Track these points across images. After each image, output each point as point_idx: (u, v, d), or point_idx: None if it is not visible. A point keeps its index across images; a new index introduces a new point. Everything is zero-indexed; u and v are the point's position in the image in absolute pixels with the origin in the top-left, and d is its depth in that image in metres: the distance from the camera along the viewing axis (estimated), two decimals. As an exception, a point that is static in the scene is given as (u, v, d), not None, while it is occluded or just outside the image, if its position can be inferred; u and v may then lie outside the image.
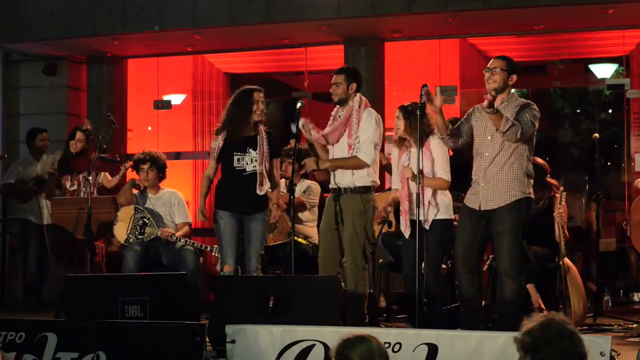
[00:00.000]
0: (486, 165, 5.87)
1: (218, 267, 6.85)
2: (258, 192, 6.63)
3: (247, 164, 6.65)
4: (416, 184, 6.06)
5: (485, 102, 5.63)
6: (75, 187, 8.29)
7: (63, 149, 8.61)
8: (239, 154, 6.65)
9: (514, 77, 5.93)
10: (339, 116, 6.63)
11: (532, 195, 5.95)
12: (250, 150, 6.67)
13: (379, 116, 6.61)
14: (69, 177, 8.32)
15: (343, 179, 6.50)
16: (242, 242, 6.66)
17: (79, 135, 8.47)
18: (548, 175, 7.62)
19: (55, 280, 8.47)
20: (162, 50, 10.89)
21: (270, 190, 6.74)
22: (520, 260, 5.80)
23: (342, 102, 6.62)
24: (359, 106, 6.56)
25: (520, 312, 5.86)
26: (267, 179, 6.72)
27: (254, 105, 6.65)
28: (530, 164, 5.92)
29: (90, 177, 7.77)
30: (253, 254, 6.66)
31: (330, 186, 6.64)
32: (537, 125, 5.85)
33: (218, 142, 6.66)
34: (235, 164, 6.64)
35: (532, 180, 5.91)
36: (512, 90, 6.07)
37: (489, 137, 5.89)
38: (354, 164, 6.48)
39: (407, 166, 6.35)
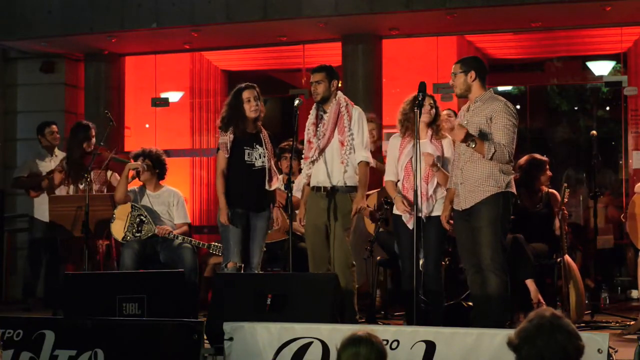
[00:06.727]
0: (462, 165, 5.89)
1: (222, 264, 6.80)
2: (267, 187, 6.65)
3: (255, 159, 6.66)
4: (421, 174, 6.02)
5: (460, 136, 5.67)
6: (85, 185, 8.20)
7: (73, 150, 8.35)
8: (249, 148, 6.65)
9: (472, 74, 5.89)
10: (323, 117, 6.52)
11: (513, 190, 5.92)
12: (257, 146, 6.68)
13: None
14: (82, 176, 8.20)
15: (334, 177, 6.45)
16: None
17: (93, 133, 8.41)
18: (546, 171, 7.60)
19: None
20: (159, 48, 10.89)
21: (279, 187, 6.76)
22: (501, 254, 5.77)
23: (324, 101, 6.53)
24: (347, 103, 6.54)
25: (507, 307, 5.86)
26: (277, 175, 6.75)
27: (244, 104, 6.64)
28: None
29: (92, 175, 7.74)
30: (257, 250, 6.67)
31: (317, 184, 6.53)
32: (516, 123, 5.84)
33: (228, 136, 6.64)
34: (246, 157, 6.65)
35: (510, 176, 5.86)
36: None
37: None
38: (367, 171, 6.50)
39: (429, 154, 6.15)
